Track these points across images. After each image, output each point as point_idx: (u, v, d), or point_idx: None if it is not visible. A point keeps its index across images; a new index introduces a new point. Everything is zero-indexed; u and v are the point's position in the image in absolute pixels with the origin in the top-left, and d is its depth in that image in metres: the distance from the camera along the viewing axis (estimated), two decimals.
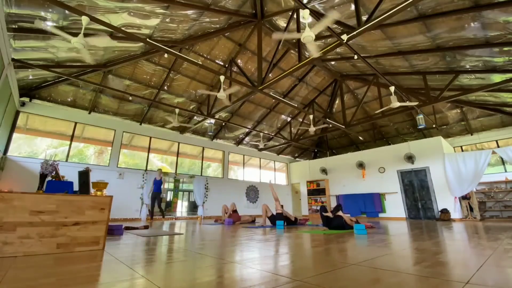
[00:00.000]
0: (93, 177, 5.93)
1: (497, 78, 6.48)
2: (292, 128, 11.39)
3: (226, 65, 7.70)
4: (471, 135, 9.68)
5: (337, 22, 5.20)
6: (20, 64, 5.37)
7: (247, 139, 11.72)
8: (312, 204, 12.08)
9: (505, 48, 5.34)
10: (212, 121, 8.92)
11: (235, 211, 6.99)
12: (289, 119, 11.17)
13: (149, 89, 7.76)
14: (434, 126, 9.70)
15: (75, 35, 3.80)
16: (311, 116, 8.28)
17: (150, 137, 9.13)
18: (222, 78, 5.95)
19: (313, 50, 4.20)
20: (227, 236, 3.65)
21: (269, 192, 12.45)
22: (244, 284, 1.31)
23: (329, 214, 4.65)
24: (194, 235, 3.72)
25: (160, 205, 7.91)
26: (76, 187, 3.80)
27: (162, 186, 7.91)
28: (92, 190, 3.67)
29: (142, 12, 5.13)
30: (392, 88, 6.35)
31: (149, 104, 8.29)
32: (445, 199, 8.21)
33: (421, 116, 8.00)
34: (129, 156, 9.22)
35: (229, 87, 7.39)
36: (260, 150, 12.61)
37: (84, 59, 4.27)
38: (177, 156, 9.82)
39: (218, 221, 7.04)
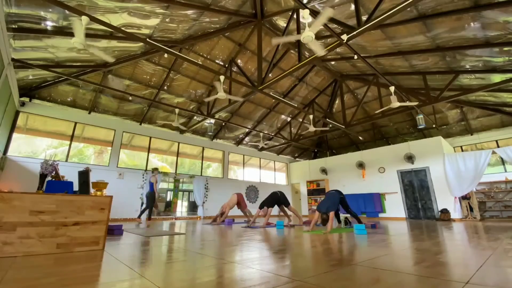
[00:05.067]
0: (93, 177, 5.92)
1: (497, 78, 6.48)
2: (292, 128, 11.39)
3: (226, 65, 7.70)
4: (471, 135, 9.68)
5: (337, 22, 5.19)
6: (20, 64, 5.36)
7: (247, 139, 11.72)
8: (312, 204, 12.07)
9: (505, 48, 5.34)
10: (212, 121, 8.92)
11: (238, 204, 6.65)
12: (289, 119, 11.17)
13: (149, 89, 7.76)
14: (434, 126, 9.70)
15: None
16: (311, 116, 8.28)
17: (150, 137, 9.13)
18: (222, 78, 5.95)
19: (317, 49, 4.12)
20: (227, 236, 3.65)
21: (269, 192, 12.43)
22: (244, 284, 1.31)
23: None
24: (194, 235, 3.72)
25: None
26: (76, 187, 3.81)
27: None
28: (92, 190, 3.68)
29: (142, 12, 5.12)
30: (392, 88, 6.35)
31: (149, 104, 8.29)
32: (445, 199, 8.21)
33: (421, 116, 8.00)
34: (129, 156, 9.22)
35: (229, 87, 7.40)
36: (260, 150, 12.61)
37: (103, 59, 4.27)
38: (177, 156, 9.82)
39: (216, 222, 6.58)
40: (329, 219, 4.10)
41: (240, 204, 6.58)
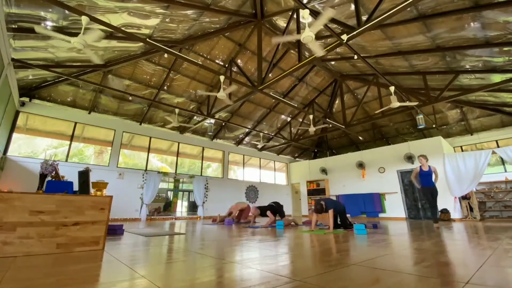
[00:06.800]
0: (93, 177, 5.92)
1: (497, 78, 6.48)
2: (292, 128, 11.38)
3: (226, 65, 7.69)
4: (471, 135, 9.68)
5: (337, 22, 5.19)
6: (20, 64, 5.36)
7: (247, 139, 11.72)
8: (312, 204, 12.07)
9: (505, 48, 5.33)
10: (212, 121, 8.92)
11: (242, 210, 6.98)
12: (289, 119, 11.17)
13: (149, 89, 7.76)
14: (434, 126, 9.69)
15: (75, 35, 3.79)
16: (311, 116, 8.28)
17: (150, 137, 9.12)
18: (222, 78, 5.95)
19: (316, 49, 4.14)
20: (227, 236, 3.65)
21: (269, 192, 12.47)
22: (244, 284, 1.31)
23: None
24: (194, 235, 3.71)
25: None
26: (76, 187, 3.80)
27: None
28: (92, 190, 3.67)
29: (142, 12, 5.12)
30: (392, 88, 6.35)
31: (149, 104, 8.29)
32: (445, 199, 8.20)
33: (421, 116, 8.00)
34: (129, 156, 9.22)
35: (229, 86, 7.38)
36: (260, 150, 12.61)
37: (91, 59, 4.26)
38: (177, 156, 9.81)
39: (215, 221, 6.88)
40: (329, 216, 4.25)
41: (244, 212, 6.96)
